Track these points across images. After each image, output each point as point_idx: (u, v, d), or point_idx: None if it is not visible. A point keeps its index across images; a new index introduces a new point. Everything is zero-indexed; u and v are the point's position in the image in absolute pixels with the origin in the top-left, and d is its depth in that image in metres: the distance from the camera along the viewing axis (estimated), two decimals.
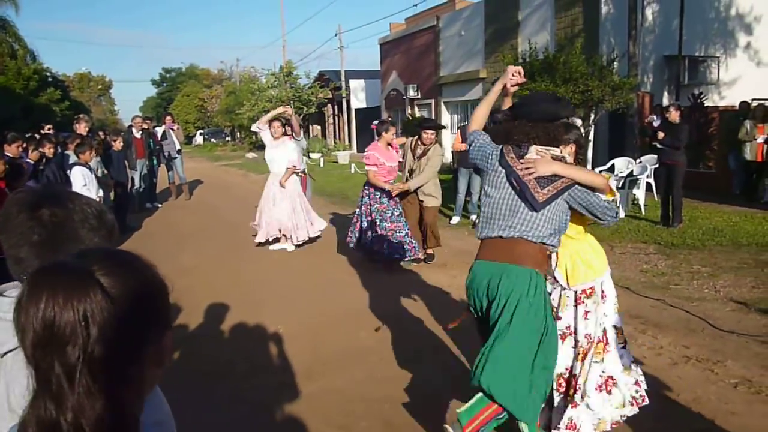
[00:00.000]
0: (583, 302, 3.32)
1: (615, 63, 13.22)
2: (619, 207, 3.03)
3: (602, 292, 3.35)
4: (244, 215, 10.51)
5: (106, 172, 9.64)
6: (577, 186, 2.98)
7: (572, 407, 3.27)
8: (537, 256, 2.96)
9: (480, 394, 2.91)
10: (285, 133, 8.71)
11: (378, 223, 7.38)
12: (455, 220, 10.69)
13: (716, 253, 7.65)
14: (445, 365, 4.65)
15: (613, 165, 11.68)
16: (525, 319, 2.85)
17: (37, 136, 9.26)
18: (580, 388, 3.26)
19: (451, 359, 4.75)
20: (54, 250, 1.32)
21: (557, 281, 3.37)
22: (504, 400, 2.83)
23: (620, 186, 10.79)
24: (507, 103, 3.39)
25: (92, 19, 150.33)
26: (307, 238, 8.77)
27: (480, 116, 3.33)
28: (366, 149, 7.69)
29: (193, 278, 7.28)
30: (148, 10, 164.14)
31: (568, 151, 3.25)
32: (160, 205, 13.91)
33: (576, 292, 3.33)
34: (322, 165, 24.19)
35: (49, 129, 11.77)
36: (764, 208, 10.40)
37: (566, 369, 3.33)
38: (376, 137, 7.70)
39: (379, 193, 7.47)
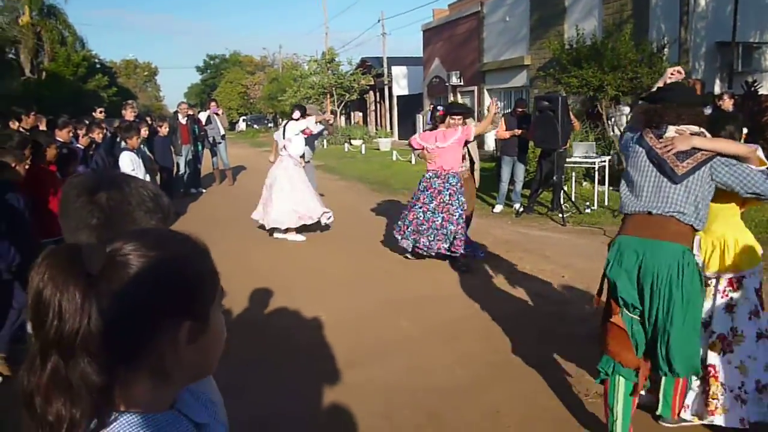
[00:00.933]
0: (727, 295, 3.32)
1: (665, 49, 12.89)
2: None
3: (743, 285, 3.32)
4: None
5: (151, 156, 9.78)
6: (719, 158, 2.98)
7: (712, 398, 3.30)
8: (688, 236, 3.02)
9: (664, 381, 3.22)
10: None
11: (432, 213, 6.95)
12: (498, 208, 10.57)
13: None
14: (488, 356, 4.59)
15: None
16: (687, 295, 2.94)
17: (87, 122, 9.43)
18: (720, 383, 3.28)
19: (495, 349, 4.69)
20: (112, 233, 1.33)
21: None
22: (695, 371, 3.10)
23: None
24: None
25: (138, 6, 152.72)
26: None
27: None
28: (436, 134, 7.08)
29: (235, 263, 7.35)
30: None
31: None
32: (204, 191, 14.09)
33: (718, 280, 3.33)
34: (363, 152, 24.20)
35: (101, 113, 11.98)
36: None
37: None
38: (437, 124, 7.20)
39: (438, 183, 6.98)
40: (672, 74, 3.52)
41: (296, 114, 9.02)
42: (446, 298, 6.05)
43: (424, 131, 7.64)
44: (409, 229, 7.12)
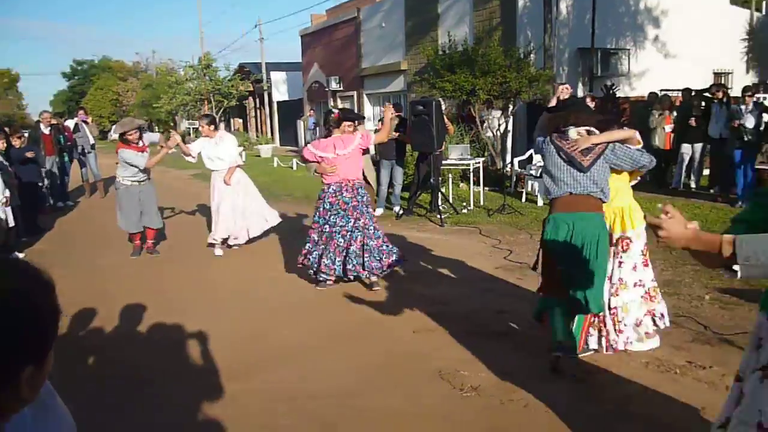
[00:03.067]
0: (618, 253, 4.35)
1: (531, 55, 13.57)
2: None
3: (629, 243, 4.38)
4: (163, 213, 10.18)
5: (10, 170, 9.10)
6: (611, 146, 4.04)
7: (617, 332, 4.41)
8: (601, 207, 4.07)
9: (579, 318, 4.25)
10: (216, 129, 8.66)
11: (352, 233, 6.27)
12: (378, 212, 10.69)
13: None
14: (373, 359, 4.66)
15: (531, 155, 11.97)
16: (604, 249, 4.04)
17: None
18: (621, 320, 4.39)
19: (378, 352, 4.76)
20: None
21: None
22: (600, 310, 4.17)
23: (539, 175, 11.09)
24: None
25: None
26: (247, 238, 8.53)
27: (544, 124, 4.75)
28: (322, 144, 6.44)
29: (112, 280, 7.03)
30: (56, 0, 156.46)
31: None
32: (72, 204, 13.33)
33: (617, 241, 4.34)
34: (244, 159, 23.79)
35: None
36: (672, 194, 10.92)
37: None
38: (332, 130, 6.51)
39: (349, 197, 6.28)
40: (563, 90, 4.82)
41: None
42: (328, 304, 6.07)
43: (316, 139, 7.15)
44: (328, 255, 6.27)
